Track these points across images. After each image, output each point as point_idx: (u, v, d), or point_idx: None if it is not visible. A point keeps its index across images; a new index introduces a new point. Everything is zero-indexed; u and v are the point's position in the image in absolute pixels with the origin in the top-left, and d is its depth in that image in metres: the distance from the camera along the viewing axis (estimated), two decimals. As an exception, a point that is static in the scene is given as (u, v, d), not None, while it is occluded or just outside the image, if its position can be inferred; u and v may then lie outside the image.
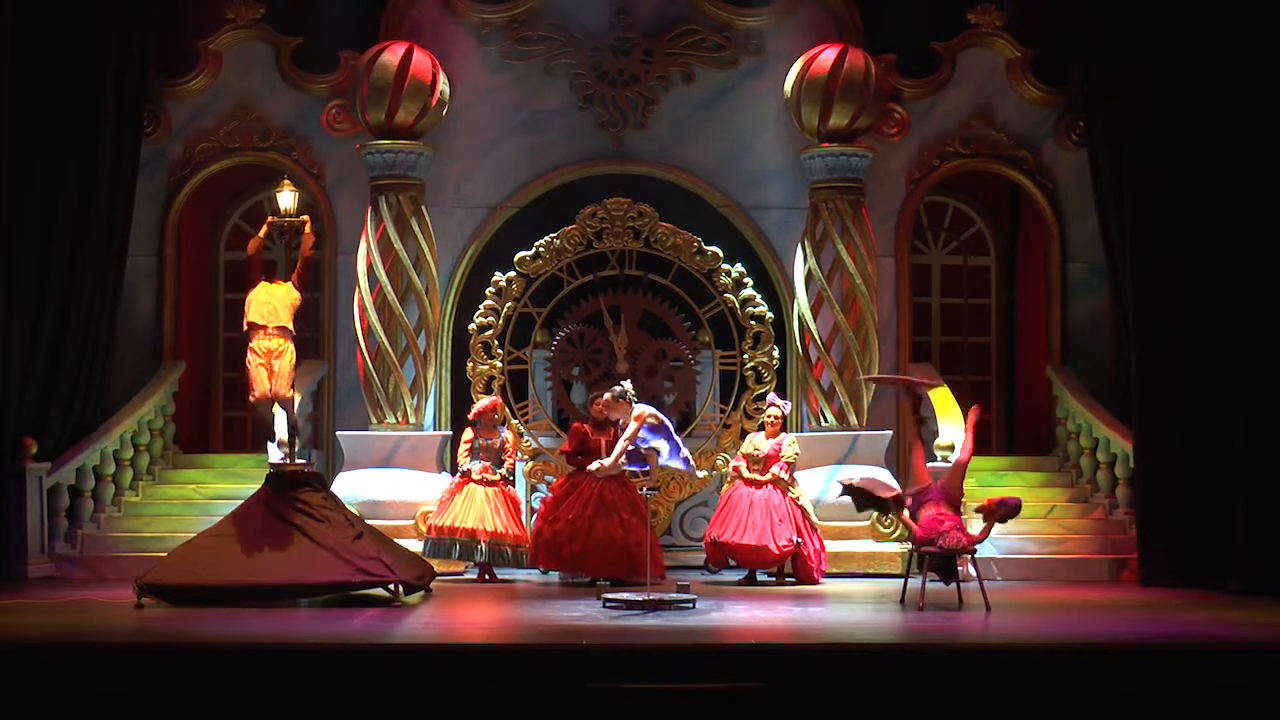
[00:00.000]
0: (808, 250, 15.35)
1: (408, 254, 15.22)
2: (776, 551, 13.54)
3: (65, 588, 13.23)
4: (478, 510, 13.87)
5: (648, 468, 13.41)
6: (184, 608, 11.28)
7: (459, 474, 14.19)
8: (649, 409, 13.34)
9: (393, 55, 15.05)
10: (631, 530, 13.45)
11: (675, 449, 13.14)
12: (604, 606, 11.49)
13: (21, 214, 14.48)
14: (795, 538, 13.60)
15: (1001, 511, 11.85)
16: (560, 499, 13.94)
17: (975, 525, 12.12)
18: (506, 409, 14.99)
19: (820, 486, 14.66)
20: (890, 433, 15.10)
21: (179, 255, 16.13)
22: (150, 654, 9.15)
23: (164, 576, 11.70)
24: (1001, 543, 14.16)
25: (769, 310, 15.43)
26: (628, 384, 13.55)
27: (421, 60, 15.10)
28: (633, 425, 13.18)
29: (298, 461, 12.89)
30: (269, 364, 12.54)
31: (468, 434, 14.29)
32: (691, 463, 13.47)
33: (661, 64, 15.97)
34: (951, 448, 14.18)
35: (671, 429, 13.31)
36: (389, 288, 15.19)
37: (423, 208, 15.43)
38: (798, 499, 13.82)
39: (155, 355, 15.92)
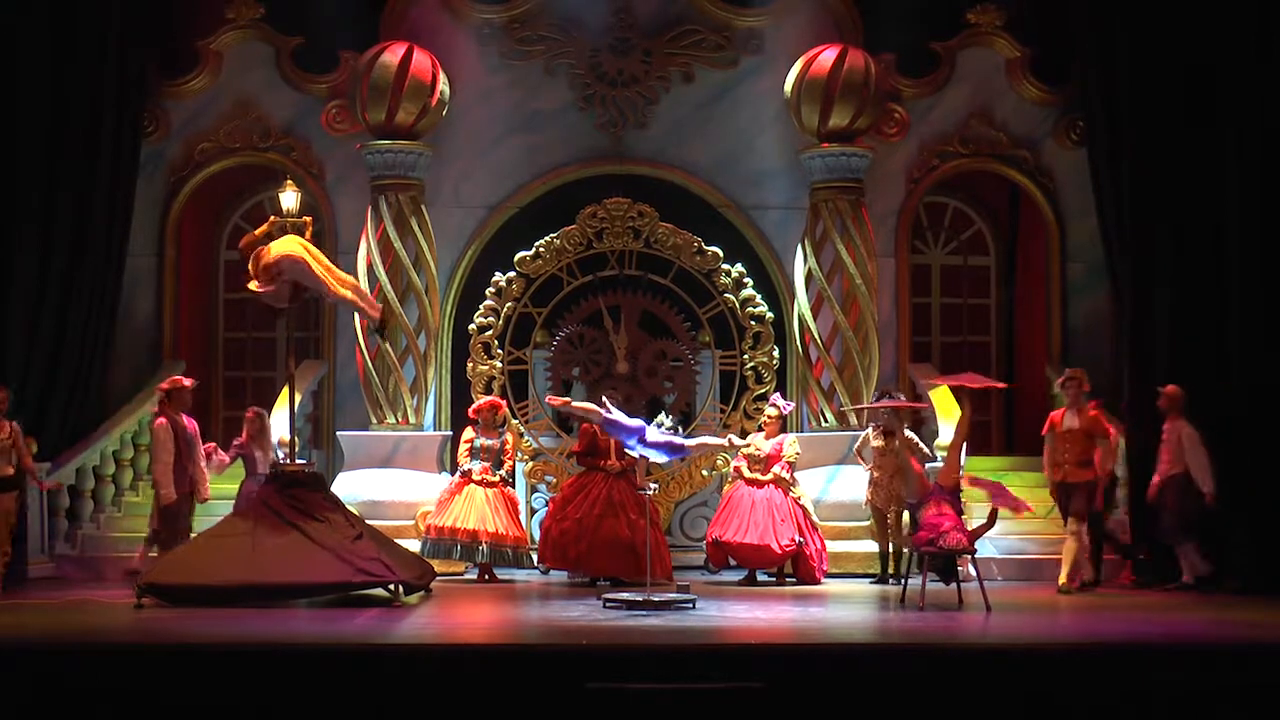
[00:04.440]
0: (808, 250, 15.35)
1: (407, 254, 15.23)
2: (779, 551, 13.54)
3: (65, 588, 13.22)
4: (479, 511, 13.87)
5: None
6: (184, 608, 11.27)
7: (459, 474, 14.19)
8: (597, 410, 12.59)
9: (393, 55, 15.06)
10: (639, 531, 13.42)
11: (658, 448, 12.32)
12: (604, 606, 11.49)
13: (21, 214, 14.47)
14: (797, 537, 13.60)
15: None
16: (569, 498, 13.95)
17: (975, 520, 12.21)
18: (507, 410, 14.96)
19: (821, 486, 14.67)
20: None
21: (179, 255, 16.15)
22: (150, 654, 9.15)
23: (164, 576, 11.70)
24: (1001, 543, 14.16)
25: (769, 310, 15.43)
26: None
27: (421, 60, 15.10)
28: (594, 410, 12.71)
29: (298, 461, 12.90)
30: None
31: (468, 434, 14.28)
32: (670, 442, 12.24)
33: (661, 64, 15.98)
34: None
35: (622, 423, 12.42)
36: (389, 287, 15.19)
37: (422, 207, 15.43)
38: (799, 499, 13.82)
39: (155, 355, 15.93)
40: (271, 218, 13.12)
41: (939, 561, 11.76)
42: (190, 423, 13.21)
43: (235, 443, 13.65)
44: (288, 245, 12.56)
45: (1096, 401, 13.39)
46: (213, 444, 13.60)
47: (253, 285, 12.55)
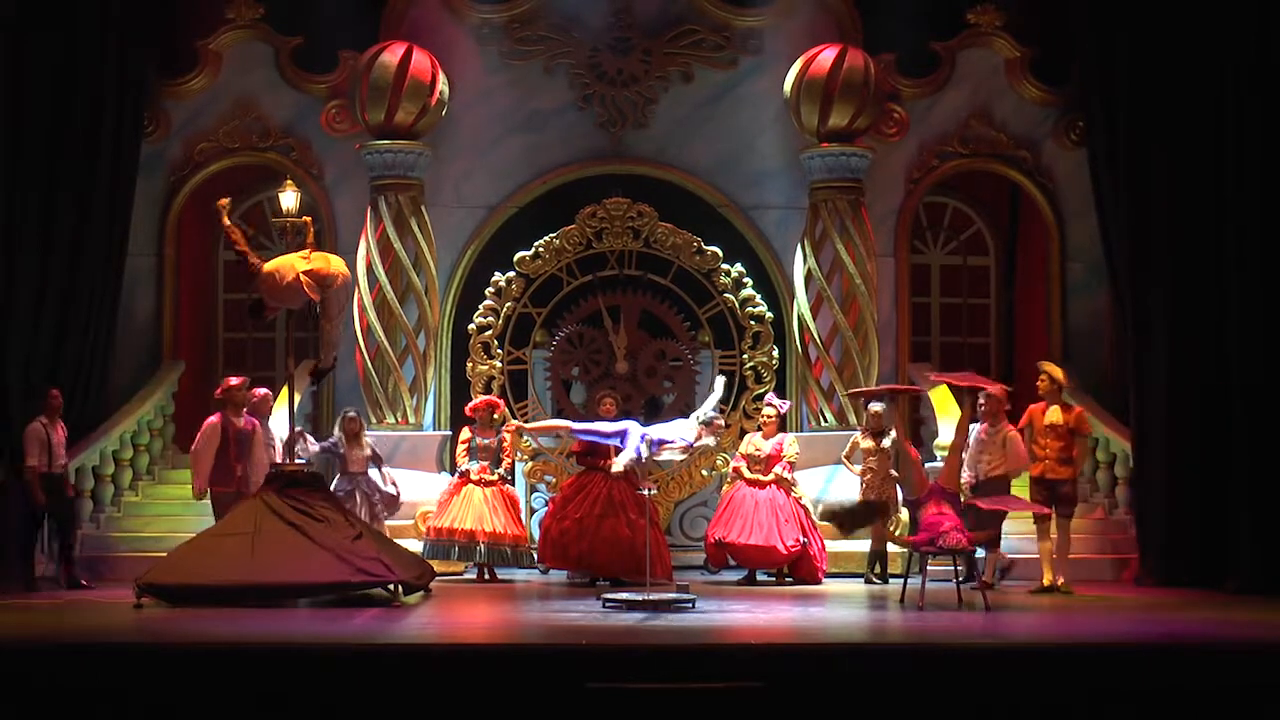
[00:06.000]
0: (807, 250, 15.36)
1: (407, 254, 15.24)
2: (784, 551, 13.54)
3: (65, 588, 13.21)
4: (476, 511, 13.88)
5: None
6: (184, 608, 11.28)
7: (457, 474, 14.20)
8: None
9: (392, 55, 15.07)
10: (639, 530, 13.42)
11: (640, 448, 12.58)
12: (604, 606, 11.49)
13: (21, 214, 14.47)
14: (802, 538, 13.59)
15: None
16: (569, 498, 13.96)
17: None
18: (506, 409, 14.95)
19: (820, 486, 14.66)
20: (891, 434, 15.07)
21: (179, 255, 16.15)
22: (150, 654, 9.14)
23: (164, 576, 11.70)
24: (1002, 543, 14.12)
25: (768, 310, 15.43)
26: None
27: (421, 60, 15.11)
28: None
29: (297, 462, 12.91)
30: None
31: (465, 433, 14.28)
32: (645, 450, 12.49)
33: (661, 64, 15.98)
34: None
35: (598, 430, 13.17)
36: (388, 288, 15.21)
37: (422, 208, 15.44)
38: (800, 499, 13.81)
39: (155, 355, 15.92)
40: (228, 198, 13.17)
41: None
42: (249, 422, 13.38)
43: (329, 440, 13.84)
44: (344, 269, 12.82)
45: None
46: (300, 430, 13.68)
47: (304, 276, 12.46)
